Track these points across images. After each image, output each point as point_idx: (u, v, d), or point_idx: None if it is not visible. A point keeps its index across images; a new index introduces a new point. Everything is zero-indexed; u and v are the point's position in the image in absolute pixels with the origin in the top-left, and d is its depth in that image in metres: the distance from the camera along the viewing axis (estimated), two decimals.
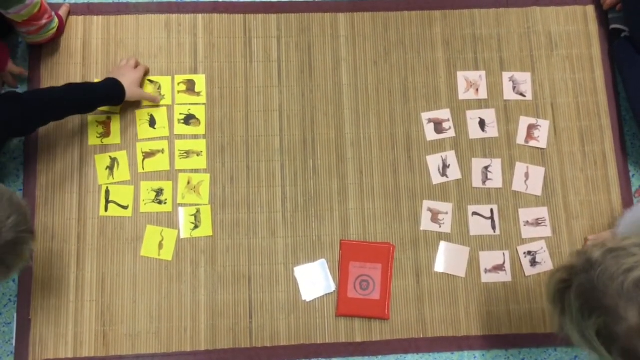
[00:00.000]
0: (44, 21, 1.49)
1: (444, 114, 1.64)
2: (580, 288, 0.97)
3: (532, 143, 1.63)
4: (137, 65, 1.57)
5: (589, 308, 0.94)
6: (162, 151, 1.56)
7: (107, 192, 1.54)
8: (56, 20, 1.54)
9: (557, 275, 1.02)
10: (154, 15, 1.65)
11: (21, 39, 1.59)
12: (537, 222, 1.59)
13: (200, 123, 1.59)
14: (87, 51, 1.61)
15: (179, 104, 1.59)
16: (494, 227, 1.58)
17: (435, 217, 1.58)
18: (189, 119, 1.59)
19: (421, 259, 1.55)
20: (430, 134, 1.63)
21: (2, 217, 1.08)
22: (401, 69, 1.66)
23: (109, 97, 1.49)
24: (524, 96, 1.66)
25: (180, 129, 1.58)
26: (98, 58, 1.61)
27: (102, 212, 1.52)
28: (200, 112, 1.60)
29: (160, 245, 1.52)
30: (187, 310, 1.49)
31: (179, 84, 1.60)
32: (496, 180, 1.60)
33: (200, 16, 1.65)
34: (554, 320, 1.05)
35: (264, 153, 1.59)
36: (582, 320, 0.95)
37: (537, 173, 1.61)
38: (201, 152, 1.57)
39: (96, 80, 1.53)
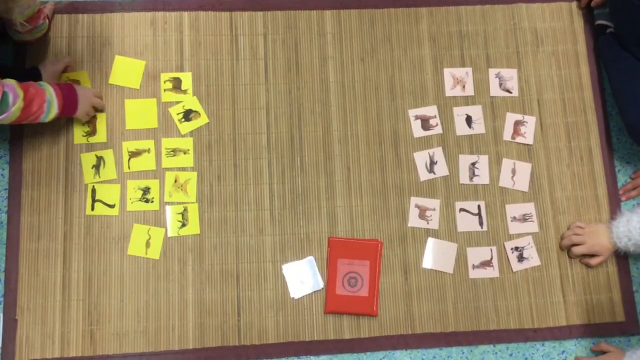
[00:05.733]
0: (40, 21, 1.49)
1: (431, 110, 1.64)
2: None
3: (519, 139, 1.64)
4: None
5: None
6: (148, 151, 1.56)
7: (94, 190, 1.53)
8: (47, 21, 1.54)
9: None
10: (140, 13, 1.64)
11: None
12: (524, 218, 1.59)
13: (200, 115, 1.58)
14: (73, 50, 1.60)
15: (165, 102, 1.59)
16: (481, 223, 1.58)
17: (422, 213, 1.58)
18: (189, 114, 1.58)
19: (409, 255, 1.56)
20: (417, 131, 1.63)
21: None
22: (388, 66, 1.66)
23: None
24: (510, 92, 1.66)
25: (180, 128, 1.58)
26: (83, 57, 1.60)
27: (88, 211, 1.52)
28: (195, 106, 1.59)
29: (148, 244, 1.51)
30: (174, 309, 1.49)
31: (165, 81, 1.60)
32: (483, 177, 1.61)
33: (186, 14, 1.65)
34: None
35: (251, 151, 1.59)
36: None
37: (524, 169, 1.62)
38: (188, 150, 1.57)
39: None
